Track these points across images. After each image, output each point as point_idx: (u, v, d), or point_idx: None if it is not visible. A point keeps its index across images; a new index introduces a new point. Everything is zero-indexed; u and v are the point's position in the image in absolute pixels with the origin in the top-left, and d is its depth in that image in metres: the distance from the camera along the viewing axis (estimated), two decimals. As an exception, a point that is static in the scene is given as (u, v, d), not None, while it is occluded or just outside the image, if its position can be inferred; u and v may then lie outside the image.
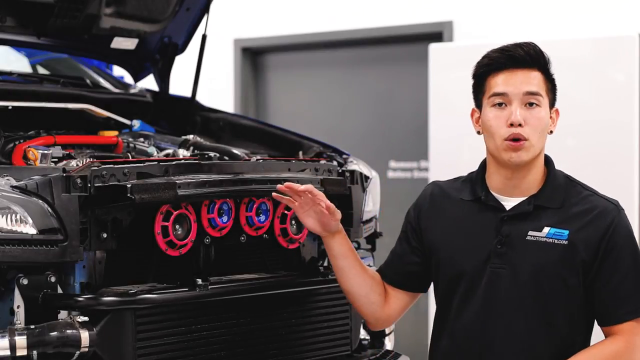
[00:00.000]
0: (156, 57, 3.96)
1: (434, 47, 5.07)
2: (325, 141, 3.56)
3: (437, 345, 2.59)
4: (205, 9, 3.85)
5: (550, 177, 2.52)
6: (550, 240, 2.44)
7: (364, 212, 3.30)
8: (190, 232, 2.71)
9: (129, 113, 3.79)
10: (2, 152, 3.11)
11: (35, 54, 4.10)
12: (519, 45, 2.47)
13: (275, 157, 3.35)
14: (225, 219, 2.79)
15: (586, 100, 4.58)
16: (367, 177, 3.36)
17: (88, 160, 2.89)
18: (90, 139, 3.42)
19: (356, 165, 3.36)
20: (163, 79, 3.98)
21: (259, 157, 3.23)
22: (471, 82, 2.55)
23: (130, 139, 3.48)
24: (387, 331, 3.42)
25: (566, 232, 2.44)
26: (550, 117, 2.50)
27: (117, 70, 4.38)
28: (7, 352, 2.39)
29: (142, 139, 3.51)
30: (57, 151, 3.07)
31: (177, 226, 2.70)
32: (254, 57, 6.63)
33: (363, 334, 3.23)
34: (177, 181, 2.64)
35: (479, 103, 2.53)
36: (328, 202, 2.65)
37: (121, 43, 3.82)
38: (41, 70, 4.12)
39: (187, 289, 2.68)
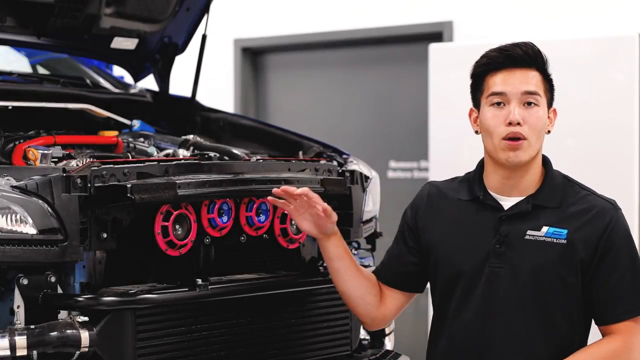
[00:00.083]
0: (156, 57, 3.96)
1: (434, 47, 5.07)
2: (325, 141, 3.56)
3: (435, 345, 2.58)
4: (205, 9, 3.85)
5: (548, 177, 2.52)
6: (549, 239, 2.44)
7: (364, 212, 3.29)
8: (190, 232, 2.71)
9: (129, 113, 3.79)
10: (2, 152, 3.11)
11: (35, 54, 4.10)
12: (517, 45, 2.47)
13: (275, 157, 3.35)
14: (225, 219, 2.79)
15: (586, 100, 4.58)
16: (367, 177, 3.35)
17: (88, 160, 2.88)
18: (90, 139, 3.42)
19: (356, 165, 3.36)
20: (163, 79, 3.98)
21: (259, 157, 3.23)
22: (469, 81, 2.55)
23: (130, 139, 3.48)
24: (387, 331, 3.41)
25: (565, 231, 2.44)
26: (548, 117, 2.50)
27: (117, 70, 4.38)
28: (7, 352, 2.39)
29: (142, 139, 3.51)
30: (57, 151, 3.07)
31: (177, 226, 2.70)
32: (254, 57, 6.63)
33: (363, 334, 3.23)
34: (177, 181, 2.64)
35: (477, 102, 2.53)
36: (324, 204, 2.63)
37: (121, 43, 3.82)
38: (41, 70, 4.12)
39: (187, 289, 2.68)
